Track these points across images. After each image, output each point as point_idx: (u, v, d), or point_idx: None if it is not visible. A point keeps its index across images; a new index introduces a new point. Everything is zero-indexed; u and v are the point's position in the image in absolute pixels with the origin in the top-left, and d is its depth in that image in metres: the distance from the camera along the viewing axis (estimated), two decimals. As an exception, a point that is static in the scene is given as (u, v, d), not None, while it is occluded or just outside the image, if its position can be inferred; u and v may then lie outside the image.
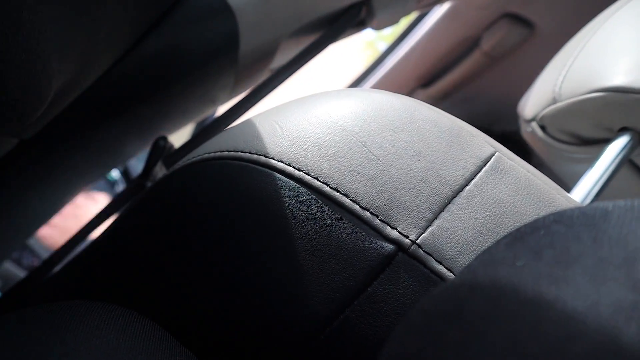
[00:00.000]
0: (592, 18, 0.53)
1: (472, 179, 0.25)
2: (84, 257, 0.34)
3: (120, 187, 1.15)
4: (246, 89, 0.61)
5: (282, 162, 0.26)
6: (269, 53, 0.55)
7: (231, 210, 0.26)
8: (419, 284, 0.22)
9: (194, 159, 0.29)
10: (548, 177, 0.28)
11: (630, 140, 0.44)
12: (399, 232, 0.23)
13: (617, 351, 0.11)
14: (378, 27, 0.61)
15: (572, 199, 0.27)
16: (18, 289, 0.54)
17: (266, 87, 0.55)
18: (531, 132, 0.55)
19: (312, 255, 0.24)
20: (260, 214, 0.25)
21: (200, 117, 0.65)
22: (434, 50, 1.06)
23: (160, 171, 0.49)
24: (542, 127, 0.53)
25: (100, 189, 1.13)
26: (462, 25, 0.99)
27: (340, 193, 0.24)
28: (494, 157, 0.26)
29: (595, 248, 0.13)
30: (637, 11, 0.47)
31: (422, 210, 0.24)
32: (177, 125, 0.61)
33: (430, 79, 1.14)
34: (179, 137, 0.79)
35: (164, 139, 0.50)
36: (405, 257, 0.23)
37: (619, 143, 0.44)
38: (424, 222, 0.24)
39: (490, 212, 0.24)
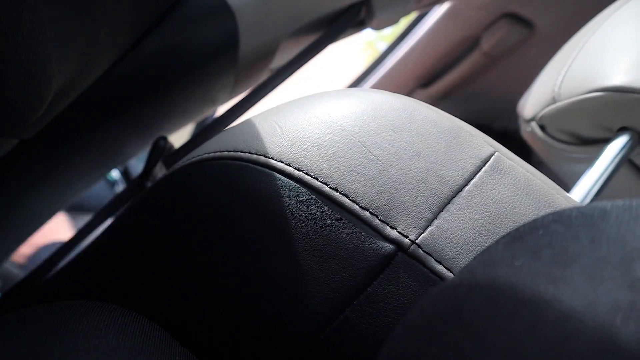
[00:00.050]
0: (591, 18, 0.53)
1: (471, 179, 0.25)
2: (84, 257, 0.34)
3: (120, 187, 1.15)
4: (246, 89, 0.61)
5: (281, 162, 0.26)
6: (268, 53, 0.55)
7: (231, 210, 0.26)
8: (418, 283, 0.22)
9: (194, 159, 0.29)
10: (547, 176, 0.28)
11: (629, 140, 0.44)
12: (399, 232, 0.23)
13: (614, 350, 0.11)
14: (378, 27, 0.61)
15: (572, 199, 0.27)
16: (18, 289, 0.54)
17: (266, 87, 0.55)
18: (531, 131, 0.55)
19: (312, 255, 0.24)
20: (260, 214, 0.25)
21: (200, 117, 0.65)
22: (434, 50, 1.06)
23: (160, 171, 0.49)
24: (542, 127, 0.53)
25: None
26: (462, 25, 0.99)
27: (340, 193, 0.24)
28: (493, 157, 0.26)
29: (593, 248, 0.13)
30: (636, 11, 0.47)
31: (422, 210, 0.24)
32: (177, 125, 0.61)
33: (430, 79, 1.14)
34: (179, 137, 0.79)
35: (164, 139, 0.50)
36: (405, 257, 0.23)
37: (619, 143, 0.44)
38: (423, 222, 0.24)
39: (489, 212, 0.24)
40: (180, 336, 0.25)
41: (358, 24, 0.61)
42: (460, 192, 0.25)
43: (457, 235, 0.23)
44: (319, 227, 0.24)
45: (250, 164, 0.26)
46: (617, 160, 0.43)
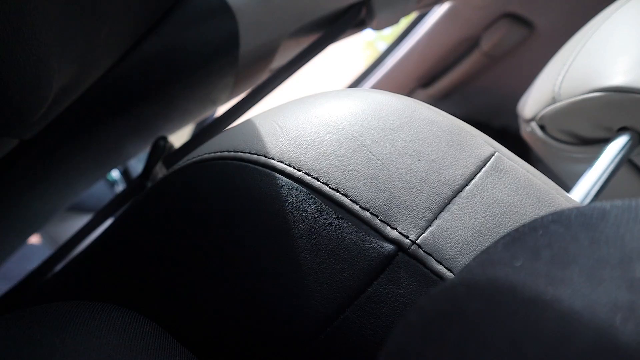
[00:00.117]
0: (591, 18, 0.53)
1: (471, 179, 0.25)
2: (84, 257, 0.34)
3: (120, 187, 1.15)
4: (246, 89, 0.61)
5: (282, 162, 0.26)
6: (269, 53, 0.55)
7: (231, 211, 0.26)
8: (419, 284, 0.22)
9: (194, 159, 0.29)
10: (546, 176, 0.28)
11: (629, 140, 0.44)
12: (399, 232, 0.23)
13: (614, 351, 0.11)
14: (378, 27, 0.61)
15: (572, 199, 0.27)
16: (18, 289, 0.54)
17: (266, 87, 0.55)
18: (530, 131, 0.55)
19: (312, 255, 0.24)
20: (261, 214, 0.25)
21: (200, 118, 0.65)
22: (434, 51, 1.06)
23: (160, 171, 0.49)
24: (542, 127, 0.53)
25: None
26: (462, 25, 0.99)
27: (340, 193, 0.24)
28: (493, 157, 0.26)
29: (593, 248, 0.13)
30: (636, 11, 0.47)
31: (422, 210, 0.24)
32: (177, 125, 0.61)
33: (430, 79, 1.14)
34: (179, 137, 0.79)
35: (164, 139, 0.50)
36: (405, 257, 0.23)
37: (619, 143, 0.44)
38: (423, 222, 0.24)
39: (490, 212, 0.24)
40: (180, 336, 0.25)
41: (358, 24, 0.61)
42: (461, 193, 0.25)
43: (458, 236, 0.23)
44: (320, 228, 0.24)
45: (250, 164, 0.26)
46: (617, 160, 0.43)
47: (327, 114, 0.28)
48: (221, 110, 0.63)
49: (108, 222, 0.54)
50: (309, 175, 0.25)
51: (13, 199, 0.50)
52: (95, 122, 0.48)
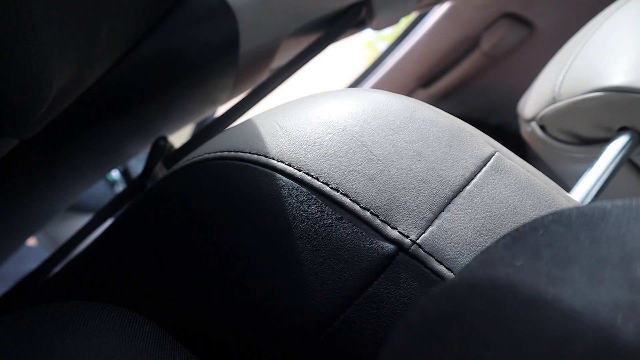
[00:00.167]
0: (591, 18, 0.53)
1: (472, 179, 0.25)
2: (84, 257, 0.34)
3: (120, 188, 1.15)
4: (246, 89, 0.61)
5: (282, 162, 0.26)
6: (269, 53, 0.55)
7: (231, 211, 0.26)
8: (419, 284, 0.22)
9: (194, 159, 0.29)
10: (546, 175, 0.28)
11: (629, 140, 0.44)
12: (400, 232, 0.23)
13: (614, 350, 0.11)
14: (378, 27, 0.61)
15: (572, 199, 0.27)
16: (18, 289, 0.54)
17: (266, 87, 0.55)
18: (531, 131, 0.55)
19: (313, 255, 0.24)
20: (261, 214, 0.25)
21: (200, 118, 0.65)
22: (434, 50, 1.06)
23: (160, 171, 0.49)
24: (542, 127, 0.53)
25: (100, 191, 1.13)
26: (462, 25, 0.99)
27: (341, 193, 0.24)
28: (494, 157, 0.26)
29: (593, 248, 0.13)
30: (636, 11, 0.47)
31: (423, 210, 0.24)
32: (177, 125, 0.61)
33: (430, 79, 1.14)
34: (179, 137, 0.79)
35: (164, 139, 0.50)
36: (406, 257, 0.23)
37: (619, 143, 0.44)
38: (424, 222, 0.24)
39: (490, 211, 0.24)
40: (180, 336, 0.25)
41: (358, 24, 0.61)
42: (461, 192, 0.25)
43: (458, 235, 0.23)
44: (320, 227, 0.24)
45: (250, 164, 0.26)
46: (617, 160, 0.43)
47: (328, 113, 0.28)
48: (221, 110, 0.63)
49: (108, 222, 0.54)
50: (309, 175, 0.25)
51: (13, 199, 0.50)
52: (95, 122, 0.48)
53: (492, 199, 0.24)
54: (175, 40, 0.46)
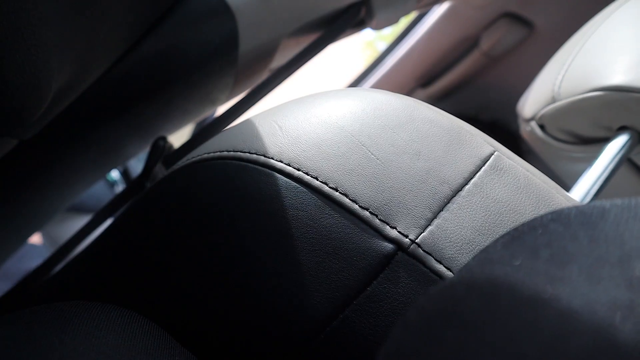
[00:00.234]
0: (590, 17, 0.53)
1: (471, 178, 0.25)
2: (83, 257, 0.34)
3: (120, 188, 1.15)
4: (246, 89, 0.61)
5: (281, 161, 0.26)
6: (268, 53, 0.55)
7: (231, 210, 0.26)
8: (418, 283, 0.22)
9: (194, 159, 0.29)
10: (546, 175, 0.28)
11: (629, 139, 0.44)
12: (399, 232, 0.23)
13: (612, 349, 0.11)
14: (377, 27, 0.61)
15: (572, 198, 0.27)
16: (18, 289, 0.54)
17: (266, 87, 0.55)
18: (530, 131, 0.55)
19: (312, 255, 0.24)
20: (260, 214, 0.25)
21: (199, 118, 0.65)
22: (434, 50, 1.06)
23: (160, 171, 0.49)
24: (542, 127, 0.53)
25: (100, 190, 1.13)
26: (462, 25, 0.99)
27: (340, 192, 0.24)
28: (493, 156, 0.26)
29: (592, 247, 0.13)
30: (635, 10, 0.47)
31: (422, 210, 0.24)
32: (176, 125, 0.61)
33: (429, 78, 1.14)
34: (178, 137, 0.79)
35: (164, 139, 0.50)
36: (405, 256, 0.23)
37: (618, 142, 0.44)
38: (423, 222, 0.24)
39: (489, 211, 0.24)
40: (180, 336, 0.25)
41: (358, 24, 0.61)
42: (460, 192, 0.25)
43: (457, 235, 0.23)
44: (319, 227, 0.24)
45: (250, 164, 0.26)
46: (616, 159, 0.43)
47: (327, 113, 0.28)
48: (221, 110, 0.63)
49: (108, 223, 0.54)
50: (308, 174, 0.25)
51: (13, 200, 0.50)
52: (94, 122, 0.48)
53: (492, 199, 0.25)
54: (175, 40, 0.46)
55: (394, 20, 0.62)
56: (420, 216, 0.24)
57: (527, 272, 0.13)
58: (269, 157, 0.26)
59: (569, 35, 0.54)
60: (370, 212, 0.24)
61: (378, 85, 1.15)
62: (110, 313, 0.24)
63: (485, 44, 1.00)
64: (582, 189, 0.42)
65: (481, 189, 0.25)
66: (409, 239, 0.23)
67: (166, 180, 0.31)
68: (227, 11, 0.47)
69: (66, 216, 1.07)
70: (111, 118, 0.49)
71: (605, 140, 0.46)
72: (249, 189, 0.26)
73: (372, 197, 0.24)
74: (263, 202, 0.25)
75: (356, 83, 1.21)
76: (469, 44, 1.03)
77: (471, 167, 0.26)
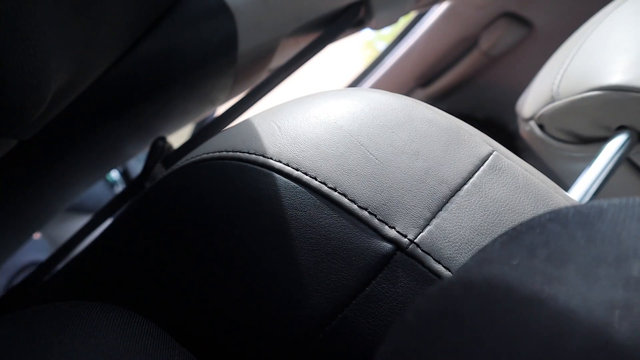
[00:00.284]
0: (589, 17, 0.53)
1: (470, 178, 0.25)
2: (83, 257, 0.34)
3: (119, 188, 1.15)
4: (245, 89, 0.61)
5: (280, 161, 0.26)
6: (267, 53, 0.55)
7: (230, 210, 0.26)
8: (417, 283, 0.22)
9: (193, 159, 0.29)
10: (545, 174, 0.28)
11: (628, 139, 0.44)
12: (397, 232, 0.23)
13: (609, 349, 0.11)
14: (377, 27, 0.61)
15: (570, 198, 0.27)
16: (18, 289, 0.54)
17: (265, 87, 0.55)
18: (529, 131, 0.55)
19: (311, 255, 0.24)
20: (259, 214, 0.25)
21: (199, 118, 0.65)
22: (433, 50, 1.06)
23: (159, 172, 0.49)
24: (541, 126, 0.53)
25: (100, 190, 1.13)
26: (461, 24, 0.99)
27: (339, 192, 0.24)
28: (492, 156, 0.26)
29: (589, 246, 0.13)
30: (634, 10, 0.47)
31: (421, 210, 0.24)
32: (176, 125, 0.61)
33: (429, 78, 1.14)
34: (178, 138, 0.79)
35: (163, 139, 0.50)
36: (404, 256, 0.23)
37: (617, 141, 0.44)
38: (422, 221, 0.24)
39: (488, 211, 0.24)
40: (179, 336, 0.25)
41: (357, 24, 0.61)
42: (459, 192, 0.25)
43: (456, 235, 0.23)
44: (318, 227, 0.24)
45: (249, 164, 0.26)
46: (615, 158, 0.43)
47: (326, 113, 0.28)
48: (220, 110, 0.63)
49: (108, 223, 0.54)
50: (307, 174, 0.25)
51: (12, 200, 0.50)
52: (94, 123, 0.48)
53: (490, 198, 0.25)
54: (174, 41, 0.46)
55: (393, 20, 0.62)
56: (419, 216, 0.24)
57: (524, 271, 0.13)
58: (268, 157, 0.26)
59: (568, 34, 0.54)
60: (369, 212, 0.24)
61: (378, 85, 1.15)
62: (110, 313, 0.24)
63: (485, 43, 1.00)
64: (581, 189, 0.42)
65: (480, 188, 0.25)
66: (408, 239, 0.23)
67: (165, 181, 0.31)
68: (226, 11, 0.47)
69: (66, 216, 1.07)
70: (111, 118, 0.49)
71: (604, 139, 0.46)
72: (248, 189, 0.26)
73: (371, 197, 0.24)
74: (262, 202, 0.25)
75: (356, 83, 1.21)
76: (469, 44, 1.03)
77: (470, 167, 0.26)
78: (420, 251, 0.23)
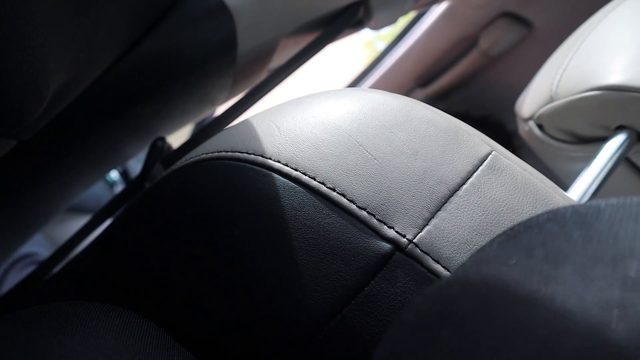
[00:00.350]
0: (588, 17, 0.53)
1: (468, 178, 0.25)
2: (83, 257, 0.34)
3: (119, 188, 1.15)
4: (244, 90, 0.61)
5: (279, 162, 0.26)
6: (267, 53, 0.55)
7: (229, 210, 0.26)
8: (416, 283, 0.23)
9: (192, 159, 0.30)
10: (544, 174, 0.28)
11: (627, 139, 0.44)
12: (396, 232, 0.23)
13: (606, 349, 0.11)
14: (376, 27, 0.61)
15: (569, 197, 0.27)
16: (18, 289, 0.54)
17: (264, 88, 0.55)
18: (528, 130, 0.55)
19: (310, 255, 0.24)
20: (258, 214, 0.25)
21: (198, 118, 0.65)
22: (432, 50, 1.06)
23: (158, 172, 0.49)
24: (540, 126, 0.53)
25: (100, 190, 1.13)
26: (460, 24, 0.99)
27: (337, 193, 0.24)
28: (490, 156, 0.26)
29: (586, 246, 0.13)
30: (633, 10, 0.47)
31: (419, 209, 0.24)
32: (175, 126, 0.61)
33: (428, 78, 1.14)
34: (177, 138, 0.79)
35: (162, 139, 0.50)
36: (403, 256, 0.23)
37: (616, 141, 0.44)
38: (421, 221, 0.24)
39: (487, 210, 0.24)
40: (178, 336, 0.25)
41: (356, 24, 0.61)
42: (458, 191, 0.25)
43: (455, 234, 0.23)
44: (317, 227, 0.24)
45: (248, 164, 0.26)
46: (614, 158, 0.43)
47: (324, 113, 0.28)
48: (219, 110, 0.63)
49: (107, 223, 0.54)
50: (306, 174, 0.25)
51: (12, 201, 0.50)
52: (93, 123, 0.48)
53: (489, 198, 0.25)
54: (173, 41, 0.46)
55: (392, 20, 0.62)
56: (417, 216, 0.24)
57: (521, 271, 0.13)
58: (266, 157, 0.26)
59: (567, 34, 0.54)
60: (367, 212, 0.24)
61: (377, 85, 1.15)
62: (109, 313, 0.24)
63: (484, 43, 1.00)
64: (580, 188, 0.42)
65: (479, 188, 0.25)
66: (407, 239, 0.23)
67: (165, 181, 0.31)
68: (226, 12, 0.47)
69: (66, 216, 1.07)
70: (110, 119, 0.49)
71: (603, 139, 0.46)
72: (247, 189, 0.26)
73: (370, 197, 0.24)
74: (261, 202, 0.25)
75: (355, 83, 1.21)
76: (468, 44, 1.03)
77: (468, 167, 0.26)
78: (419, 251, 0.23)
